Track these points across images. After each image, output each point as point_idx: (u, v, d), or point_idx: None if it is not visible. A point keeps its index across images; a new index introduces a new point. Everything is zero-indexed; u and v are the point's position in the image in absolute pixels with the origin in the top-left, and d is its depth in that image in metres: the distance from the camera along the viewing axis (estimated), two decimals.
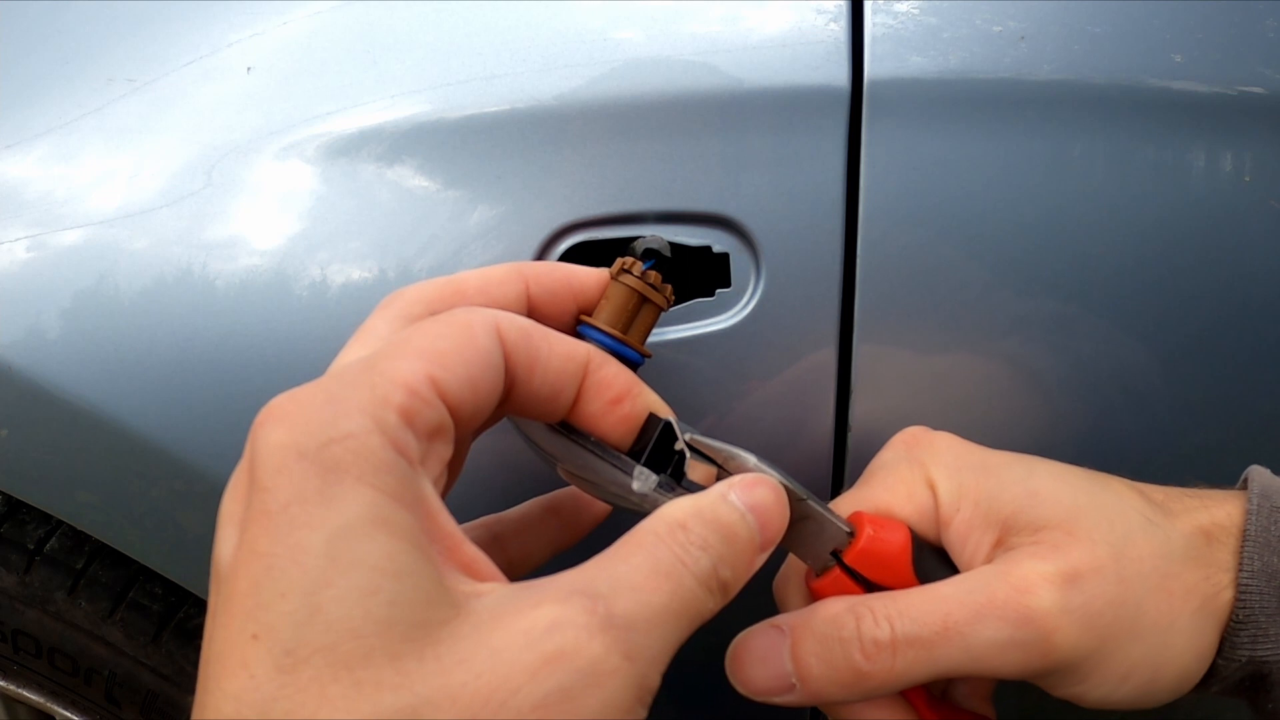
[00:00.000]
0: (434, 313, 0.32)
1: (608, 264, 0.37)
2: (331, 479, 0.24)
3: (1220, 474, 0.46)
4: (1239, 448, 0.47)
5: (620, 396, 0.33)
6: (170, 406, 0.42)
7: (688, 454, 0.34)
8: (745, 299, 0.43)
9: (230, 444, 0.42)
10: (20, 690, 0.57)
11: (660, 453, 0.34)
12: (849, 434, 0.45)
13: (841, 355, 0.43)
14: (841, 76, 0.41)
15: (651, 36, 0.42)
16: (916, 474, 0.37)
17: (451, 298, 0.33)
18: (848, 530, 0.34)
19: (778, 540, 0.30)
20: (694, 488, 0.33)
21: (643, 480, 0.33)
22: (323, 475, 0.24)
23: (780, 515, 0.30)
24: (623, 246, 0.43)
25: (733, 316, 0.43)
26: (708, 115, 0.41)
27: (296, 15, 0.44)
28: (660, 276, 0.37)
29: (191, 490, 0.43)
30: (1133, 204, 0.43)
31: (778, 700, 0.33)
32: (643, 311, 0.36)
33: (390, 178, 0.42)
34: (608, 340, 0.35)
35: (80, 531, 0.50)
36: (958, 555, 0.35)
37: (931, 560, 0.35)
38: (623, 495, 0.33)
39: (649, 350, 0.37)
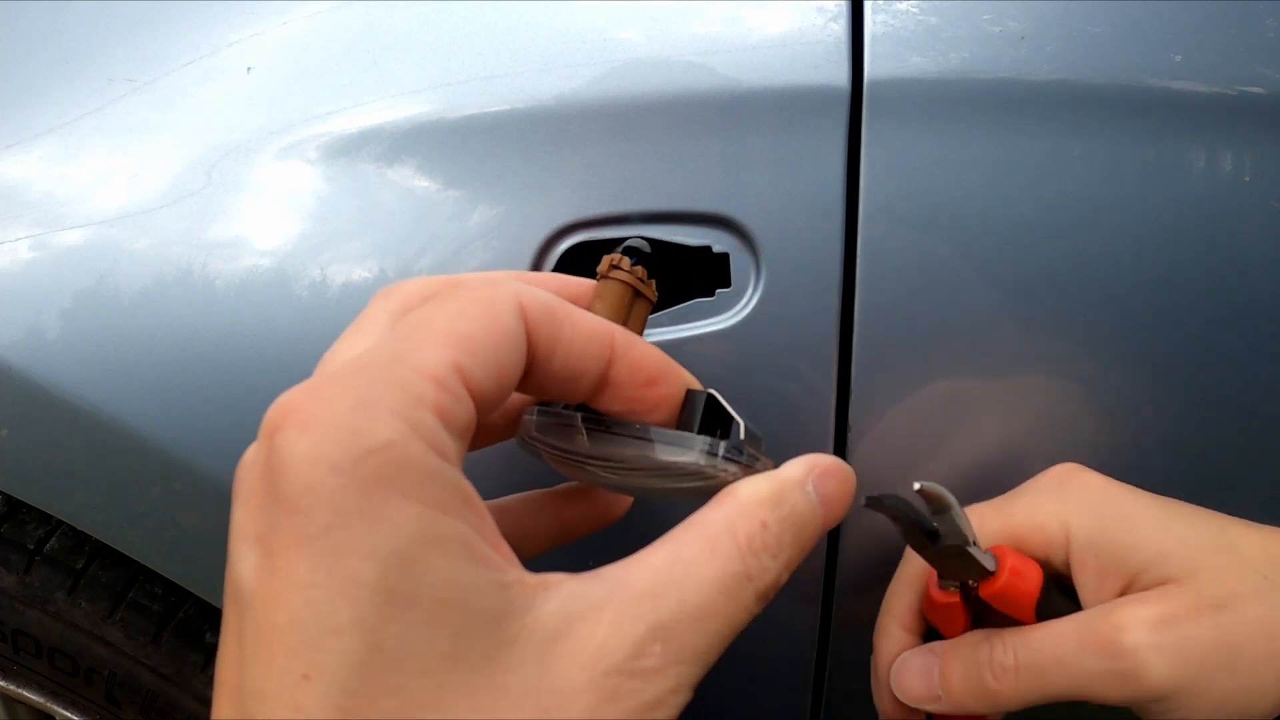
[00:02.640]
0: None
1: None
2: (375, 497, 0.22)
3: (1220, 474, 0.47)
4: (1239, 448, 0.47)
5: (655, 378, 0.30)
6: (170, 406, 0.42)
7: (741, 424, 0.31)
8: (745, 299, 0.43)
9: (230, 444, 0.42)
10: (20, 690, 0.57)
11: (709, 427, 0.31)
12: (849, 434, 0.45)
13: (841, 355, 0.43)
14: (841, 76, 0.41)
15: (651, 36, 0.42)
16: (1058, 513, 0.40)
17: (448, 290, 0.32)
18: (990, 569, 0.38)
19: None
20: (751, 462, 0.31)
21: (708, 450, 0.29)
22: (364, 493, 0.22)
23: (842, 512, 0.30)
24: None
25: (733, 316, 0.43)
26: (707, 115, 0.41)
27: (296, 15, 0.44)
28: (646, 272, 0.36)
29: (191, 490, 0.43)
30: (1132, 204, 0.43)
31: (928, 707, 0.40)
32: (636, 307, 0.36)
33: (390, 178, 0.42)
34: None
35: (80, 531, 0.50)
36: (1083, 593, 0.39)
37: (1053, 597, 0.39)
38: (673, 480, 0.30)
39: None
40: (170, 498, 0.44)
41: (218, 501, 0.43)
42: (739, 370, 0.43)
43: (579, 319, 0.29)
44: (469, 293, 0.27)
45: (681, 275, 0.45)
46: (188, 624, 0.55)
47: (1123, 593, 0.38)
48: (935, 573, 0.39)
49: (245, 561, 0.23)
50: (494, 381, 0.26)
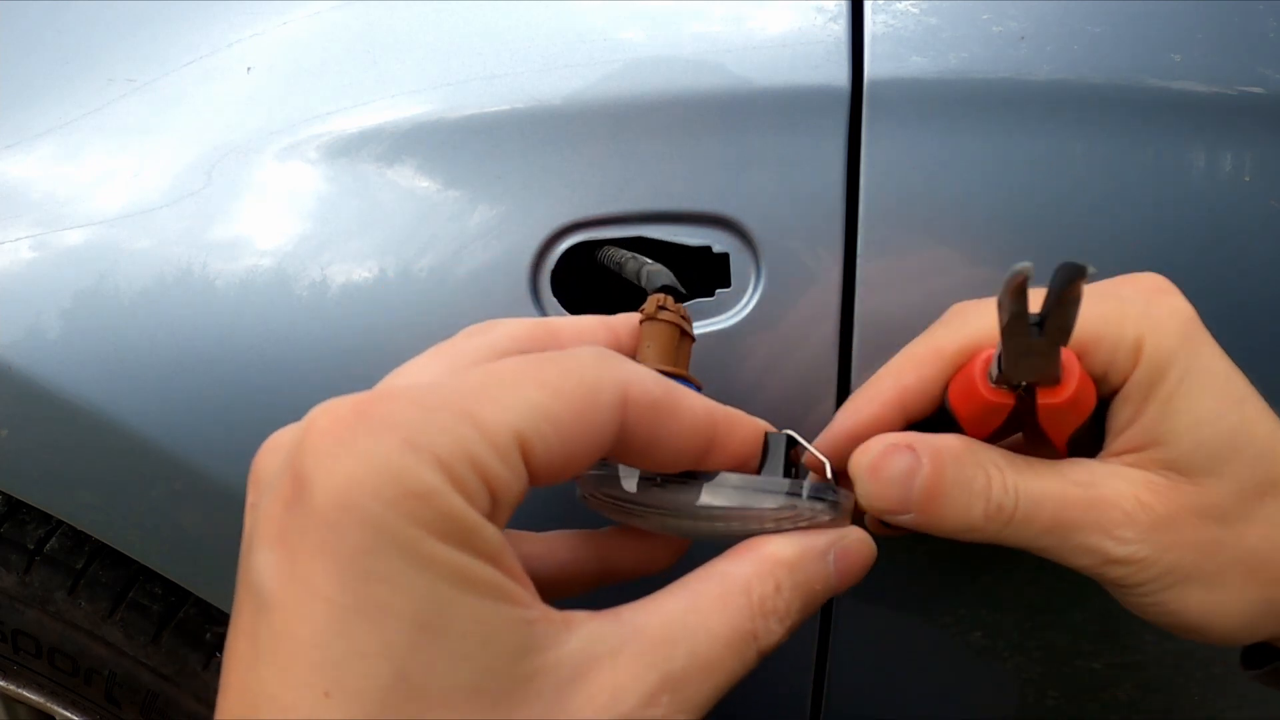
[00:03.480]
0: (521, 349, 0.30)
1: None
2: (412, 534, 0.22)
3: None
4: None
5: (752, 454, 0.30)
6: (170, 406, 0.42)
7: (826, 462, 0.32)
8: (745, 299, 0.43)
9: (231, 444, 0.42)
10: (20, 690, 0.57)
11: (787, 467, 0.31)
12: None
13: (841, 355, 0.43)
14: (841, 76, 0.41)
15: (651, 36, 0.42)
16: (1137, 330, 0.32)
17: (546, 339, 0.32)
18: (1057, 378, 0.31)
19: None
20: (837, 498, 0.31)
21: (809, 494, 0.29)
22: (401, 527, 0.22)
23: (853, 583, 0.30)
24: (623, 247, 0.43)
25: (733, 316, 0.43)
26: (708, 115, 0.41)
27: (296, 15, 0.44)
28: (684, 309, 0.37)
29: (192, 490, 0.43)
30: (1132, 204, 0.43)
31: (888, 517, 0.33)
32: (682, 344, 0.36)
33: (391, 178, 0.42)
34: (684, 384, 0.33)
35: (80, 531, 0.50)
36: (1113, 425, 0.34)
37: (1088, 426, 0.33)
38: (756, 523, 0.30)
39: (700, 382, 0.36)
40: (170, 498, 0.44)
41: (218, 502, 0.43)
42: (739, 370, 0.43)
43: (685, 415, 0.28)
44: (576, 364, 0.26)
45: (681, 275, 0.45)
46: (188, 624, 0.55)
47: (1149, 447, 0.32)
48: (986, 362, 0.32)
49: (265, 560, 0.23)
50: (559, 464, 0.25)
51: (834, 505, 0.30)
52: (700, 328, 0.43)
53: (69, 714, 0.58)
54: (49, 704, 0.58)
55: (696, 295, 0.43)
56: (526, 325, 0.32)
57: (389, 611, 0.21)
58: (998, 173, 0.42)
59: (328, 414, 0.23)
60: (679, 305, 0.36)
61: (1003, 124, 0.42)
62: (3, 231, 0.42)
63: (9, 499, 0.52)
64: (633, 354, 0.35)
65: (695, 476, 0.30)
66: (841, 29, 0.42)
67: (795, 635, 0.49)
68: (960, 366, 0.33)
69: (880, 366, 0.43)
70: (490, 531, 0.23)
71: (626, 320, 0.36)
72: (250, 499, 0.28)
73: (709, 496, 0.29)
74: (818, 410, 0.44)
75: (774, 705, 0.51)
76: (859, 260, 0.42)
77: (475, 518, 0.23)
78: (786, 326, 0.43)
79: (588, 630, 0.24)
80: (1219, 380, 0.33)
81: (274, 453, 0.28)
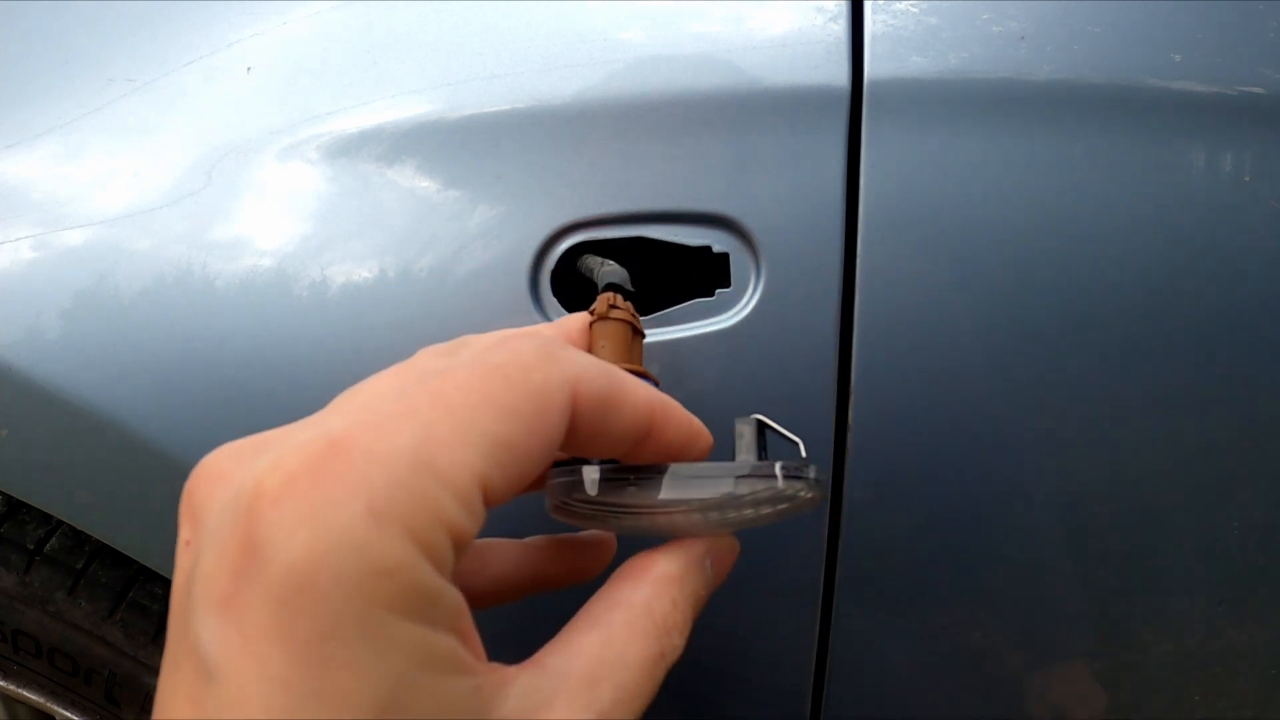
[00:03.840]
0: None
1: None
2: (375, 616, 0.21)
3: (1220, 474, 0.46)
4: (1239, 448, 0.47)
5: (685, 444, 0.30)
6: (170, 406, 0.42)
7: (800, 442, 0.32)
8: (745, 299, 0.43)
9: None
10: (20, 690, 0.57)
11: (755, 447, 0.32)
12: (849, 434, 0.45)
13: (841, 355, 0.43)
14: (841, 76, 0.41)
15: (651, 37, 0.42)
16: None
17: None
18: None
19: None
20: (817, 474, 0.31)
21: (790, 474, 0.29)
22: (364, 610, 0.20)
23: (721, 582, 0.31)
24: (623, 247, 0.43)
25: (733, 316, 0.43)
26: (708, 115, 0.41)
27: (296, 15, 0.44)
28: (632, 306, 0.37)
29: None
30: (1133, 204, 0.43)
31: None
32: (635, 342, 0.36)
33: (391, 178, 0.42)
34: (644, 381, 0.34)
35: (80, 531, 0.50)
36: None
37: None
38: (735, 510, 0.30)
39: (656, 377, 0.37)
40: (170, 498, 0.44)
41: None
42: (739, 370, 0.43)
43: (628, 407, 0.28)
44: (520, 377, 0.25)
45: (681, 275, 0.45)
46: None
47: None
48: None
49: (212, 629, 0.21)
50: (515, 486, 0.25)
51: (815, 483, 0.30)
52: (700, 328, 0.43)
53: (69, 714, 0.58)
54: (49, 704, 0.58)
55: (696, 295, 0.43)
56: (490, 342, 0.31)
57: (350, 698, 0.20)
58: (998, 172, 0.42)
59: (278, 473, 0.22)
60: (628, 303, 0.36)
61: (1003, 124, 0.42)
62: (3, 231, 0.42)
63: (9, 499, 0.52)
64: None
65: (660, 470, 0.30)
66: (841, 29, 0.42)
67: (795, 635, 0.49)
68: None
69: (880, 366, 0.43)
70: (451, 595, 0.23)
71: (577, 320, 0.36)
72: (184, 535, 0.26)
73: (699, 490, 0.29)
74: (818, 410, 0.44)
75: (774, 705, 0.51)
76: (859, 260, 0.42)
77: (439, 584, 0.22)
78: (786, 326, 0.43)
79: (520, 685, 0.25)
80: None
81: (213, 485, 0.25)
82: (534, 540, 0.35)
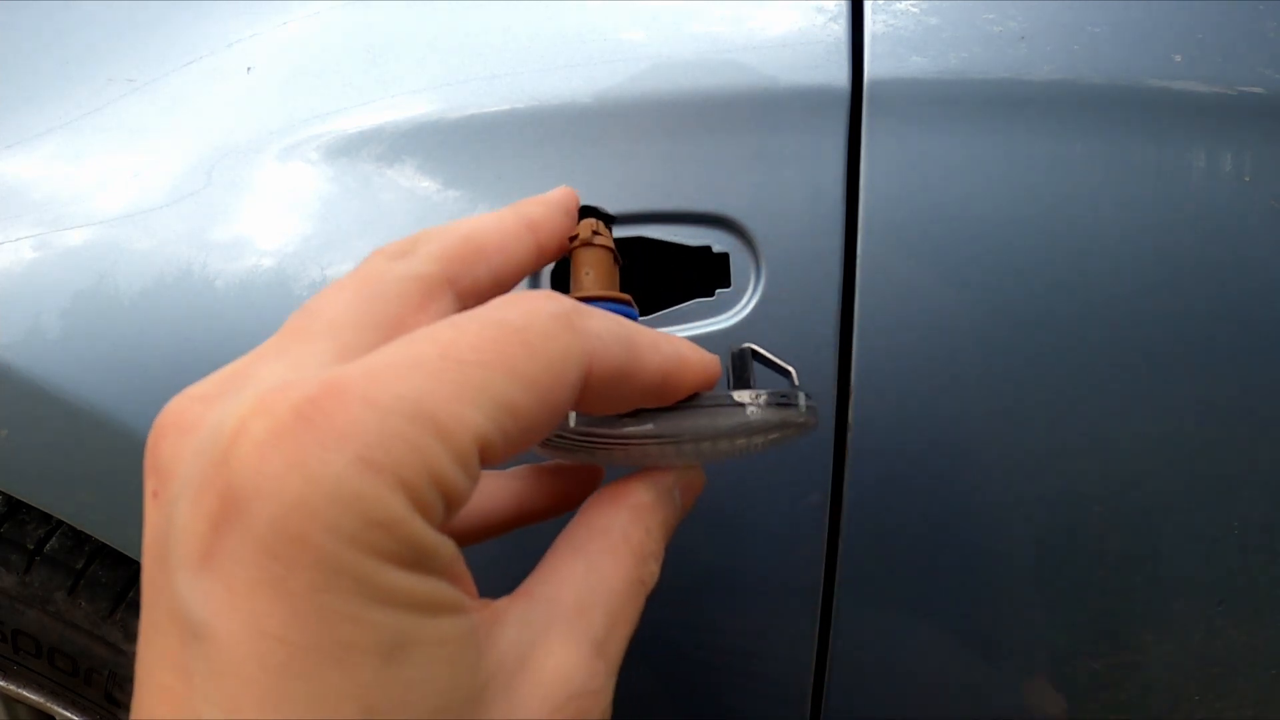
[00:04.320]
0: (450, 276, 0.28)
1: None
2: (371, 567, 0.20)
3: (1220, 474, 0.46)
4: (1239, 448, 0.47)
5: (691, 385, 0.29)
6: None
7: (792, 371, 0.33)
8: (745, 299, 0.43)
9: None
10: (20, 690, 0.57)
11: (742, 378, 0.32)
12: (849, 434, 0.45)
13: (841, 355, 0.43)
14: (841, 76, 0.41)
15: (652, 37, 0.42)
16: None
17: (473, 257, 0.29)
18: None
19: None
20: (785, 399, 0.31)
21: (755, 405, 0.29)
22: (359, 561, 0.20)
23: (688, 512, 0.31)
24: (624, 247, 0.43)
25: (733, 316, 0.43)
26: (708, 115, 0.41)
27: (296, 15, 0.44)
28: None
29: None
30: (1133, 204, 0.43)
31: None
32: (614, 269, 0.36)
33: (391, 178, 0.42)
34: (625, 309, 0.34)
35: (80, 531, 0.50)
36: None
37: None
38: (745, 437, 0.30)
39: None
40: None
41: None
42: None
43: (641, 377, 0.27)
44: (539, 345, 0.23)
45: (681, 275, 0.45)
46: None
47: None
48: None
49: (194, 585, 0.20)
50: (514, 451, 0.23)
51: (811, 409, 0.31)
52: (700, 328, 0.43)
53: (69, 714, 0.58)
54: (49, 704, 0.58)
55: (696, 295, 0.43)
56: (451, 240, 0.29)
57: (352, 649, 0.20)
58: (998, 172, 0.42)
59: (262, 415, 0.20)
60: (608, 230, 0.36)
61: (1003, 124, 0.42)
62: (3, 231, 0.42)
63: (9, 499, 0.52)
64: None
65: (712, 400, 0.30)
66: (841, 29, 0.42)
67: (795, 634, 0.49)
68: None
69: (880, 366, 0.43)
70: (446, 547, 0.22)
71: (549, 225, 0.33)
72: (150, 486, 0.24)
73: (707, 419, 0.29)
74: (817, 410, 0.44)
75: (774, 705, 0.51)
76: (859, 260, 0.42)
77: (434, 538, 0.21)
78: (786, 326, 0.43)
79: (515, 617, 0.24)
80: None
81: (183, 432, 0.23)
82: (517, 470, 0.34)
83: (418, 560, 0.21)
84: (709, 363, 0.29)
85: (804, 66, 0.41)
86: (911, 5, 0.42)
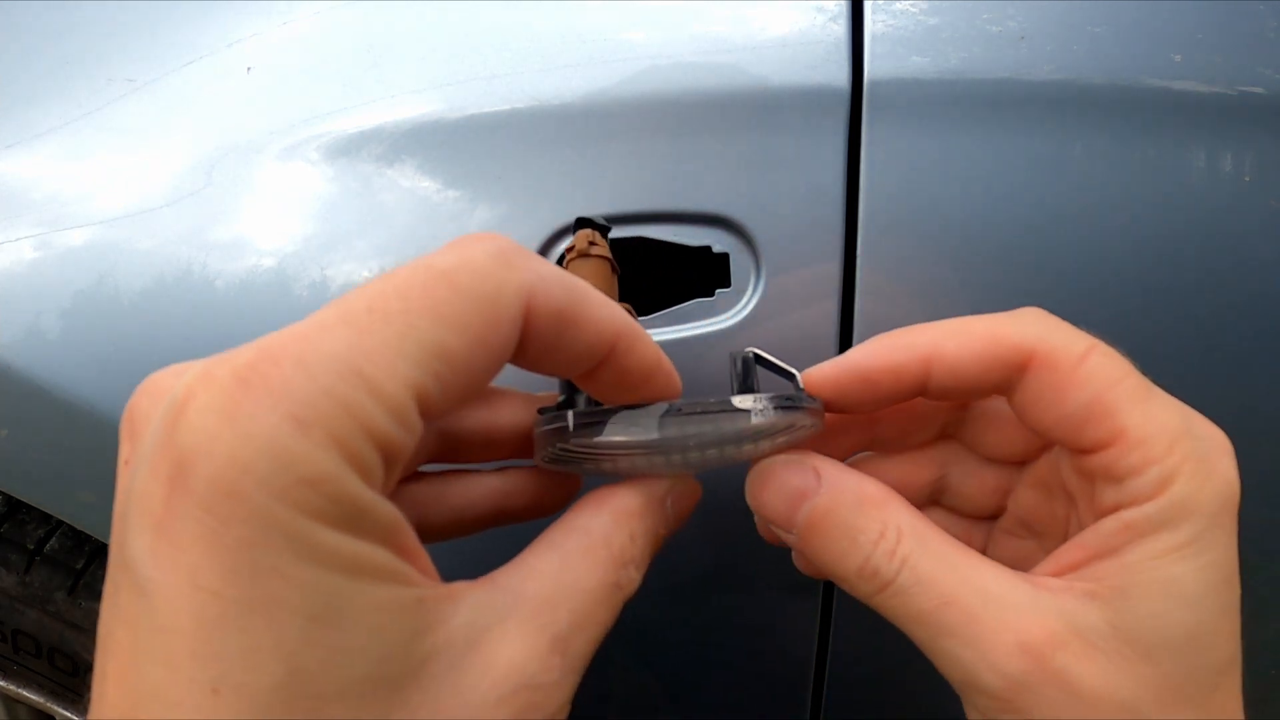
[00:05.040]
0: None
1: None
2: (302, 525, 0.20)
3: None
4: (1239, 448, 0.47)
5: (647, 374, 0.28)
6: None
7: (796, 374, 0.32)
8: (745, 299, 0.43)
9: None
10: (20, 690, 0.57)
11: (746, 383, 0.32)
12: None
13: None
14: (841, 76, 0.41)
15: (651, 37, 0.42)
16: (1178, 467, 0.31)
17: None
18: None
19: None
20: (795, 401, 0.30)
21: (761, 409, 0.28)
22: (291, 518, 0.20)
23: (682, 525, 0.31)
24: (624, 247, 0.43)
25: (733, 316, 0.43)
26: (708, 115, 0.41)
27: (296, 15, 0.44)
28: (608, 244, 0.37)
29: None
30: (1133, 204, 0.43)
31: (770, 526, 0.31)
32: (612, 280, 0.36)
33: (391, 178, 0.42)
34: None
35: (80, 531, 0.50)
36: (1083, 506, 0.31)
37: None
38: (748, 443, 0.29)
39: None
40: None
41: None
42: None
43: (589, 326, 0.26)
44: (468, 282, 0.23)
45: (681, 275, 0.45)
46: None
47: (1109, 592, 0.29)
48: None
49: (143, 543, 0.21)
50: (456, 400, 0.23)
51: (816, 411, 0.30)
52: (700, 328, 0.43)
53: (69, 714, 0.58)
54: (49, 704, 0.58)
55: (696, 295, 0.43)
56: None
57: (280, 606, 0.20)
58: (997, 172, 0.42)
59: (206, 382, 0.21)
60: (605, 240, 0.36)
61: (1003, 124, 0.42)
62: (4, 231, 0.42)
63: (9, 499, 0.52)
64: None
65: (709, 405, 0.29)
66: (841, 29, 0.42)
67: (795, 634, 0.49)
68: (1013, 363, 0.30)
69: None
70: (383, 509, 0.22)
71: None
72: (123, 454, 0.25)
73: (711, 425, 0.28)
74: None
75: (774, 704, 0.51)
76: (859, 260, 0.42)
77: (369, 497, 0.21)
78: (786, 326, 0.43)
79: (472, 600, 0.24)
80: (1221, 578, 0.31)
81: (153, 400, 0.25)
82: (497, 471, 0.34)
83: (350, 520, 0.21)
84: (660, 354, 0.29)
85: (804, 66, 0.41)
86: (911, 5, 0.42)
